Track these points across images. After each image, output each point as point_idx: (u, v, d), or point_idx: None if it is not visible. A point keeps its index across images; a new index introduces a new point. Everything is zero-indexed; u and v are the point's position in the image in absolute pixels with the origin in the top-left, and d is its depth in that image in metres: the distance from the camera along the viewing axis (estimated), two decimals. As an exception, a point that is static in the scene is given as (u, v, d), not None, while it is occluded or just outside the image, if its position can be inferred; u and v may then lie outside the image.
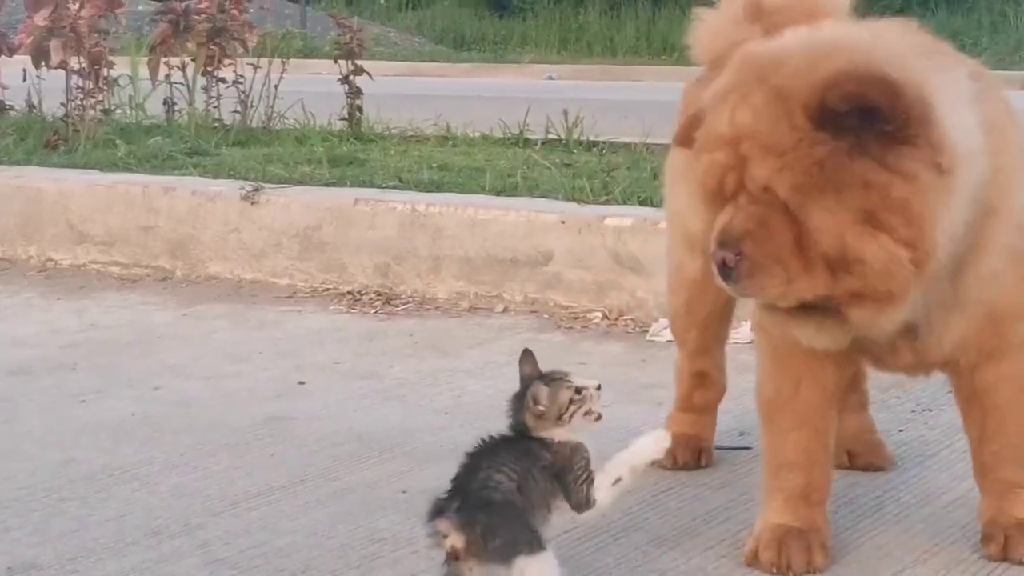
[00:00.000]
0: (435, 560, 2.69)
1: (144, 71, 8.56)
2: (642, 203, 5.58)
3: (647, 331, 5.05)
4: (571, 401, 2.72)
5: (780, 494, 3.08)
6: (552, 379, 2.75)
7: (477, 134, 8.20)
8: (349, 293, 5.71)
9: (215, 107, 8.38)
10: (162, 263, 6.16)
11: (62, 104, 8.04)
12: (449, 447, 3.66)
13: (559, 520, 2.74)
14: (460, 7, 27.05)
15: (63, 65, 7.89)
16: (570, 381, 2.75)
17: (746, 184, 2.70)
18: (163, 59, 8.38)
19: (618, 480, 2.76)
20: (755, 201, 2.70)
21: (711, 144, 2.76)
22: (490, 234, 5.51)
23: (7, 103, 8.72)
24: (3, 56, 8.38)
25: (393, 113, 8.62)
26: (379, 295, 5.65)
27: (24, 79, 8.31)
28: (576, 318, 5.27)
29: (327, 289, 5.78)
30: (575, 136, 7.87)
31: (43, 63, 7.95)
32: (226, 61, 8.32)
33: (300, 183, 6.29)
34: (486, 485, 2.64)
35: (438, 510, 2.63)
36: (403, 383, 4.51)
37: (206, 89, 8.37)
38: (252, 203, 5.99)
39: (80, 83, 7.95)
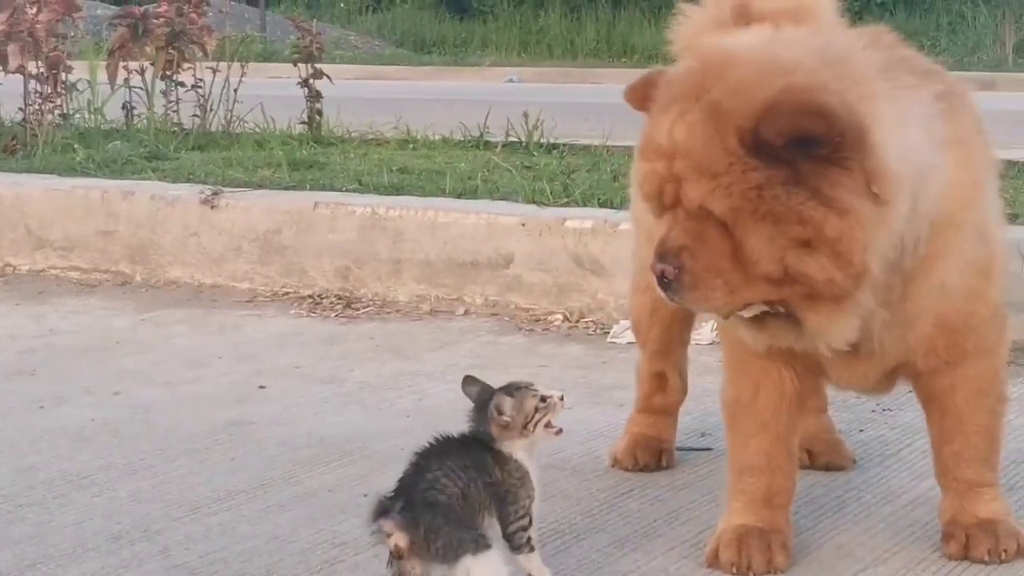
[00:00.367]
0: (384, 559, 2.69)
1: (103, 75, 8.52)
2: (602, 205, 5.59)
3: (608, 333, 5.05)
4: (536, 409, 2.73)
5: (743, 496, 3.09)
6: (516, 388, 2.76)
7: (437, 137, 8.19)
8: (309, 297, 5.70)
9: (174, 111, 8.36)
10: (121, 268, 6.13)
11: (20, 109, 8.00)
12: (410, 450, 3.64)
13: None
14: (420, 10, 27.00)
15: (21, 70, 7.85)
16: (535, 390, 2.76)
17: (682, 200, 2.70)
18: (122, 63, 8.34)
19: None
20: (692, 216, 2.70)
21: (650, 153, 2.76)
22: (450, 237, 5.51)
23: (-36, 108, 8.68)
24: (-40, 61, 8.34)
25: (353, 116, 8.61)
26: (340, 299, 5.64)
27: (-19, 84, 8.27)
28: (537, 320, 5.27)
29: (287, 293, 5.77)
30: (535, 138, 7.87)
31: (0, 68, 7.91)
32: (185, 65, 8.29)
33: (260, 187, 6.27)
34: (432, 487, 2.64)
35: (383, 510, 2.63)
36: (364, 387, 4.50)
37: (165, 93, 8.34)
38: (212, 207, 5.97)
39: (38, 87, 7.93)
